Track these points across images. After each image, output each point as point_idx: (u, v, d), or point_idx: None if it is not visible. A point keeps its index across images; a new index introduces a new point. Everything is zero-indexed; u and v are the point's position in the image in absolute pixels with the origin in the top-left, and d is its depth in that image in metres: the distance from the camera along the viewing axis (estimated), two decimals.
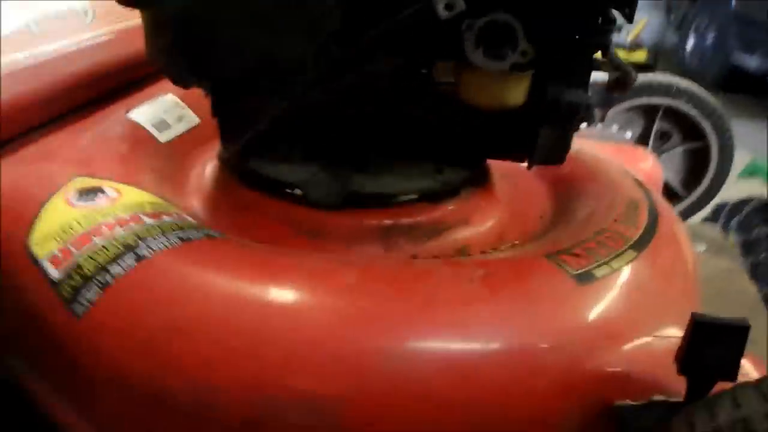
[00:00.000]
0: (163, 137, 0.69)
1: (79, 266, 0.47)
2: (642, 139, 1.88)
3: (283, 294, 0.47)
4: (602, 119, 1.75)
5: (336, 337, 0.44)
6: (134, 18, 0.61)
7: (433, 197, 0.61)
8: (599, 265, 0.51)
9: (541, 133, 0.57)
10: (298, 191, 0.60)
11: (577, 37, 0.52)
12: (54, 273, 0.48)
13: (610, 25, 0.52)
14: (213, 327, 0.44)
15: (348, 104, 0.57)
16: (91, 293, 0.46)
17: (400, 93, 0.57)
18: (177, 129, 0.71)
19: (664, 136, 1.90)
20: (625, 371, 0.45)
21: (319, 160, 0.61)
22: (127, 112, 0.69)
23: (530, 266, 0.52)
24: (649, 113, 1.86)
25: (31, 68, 0.63)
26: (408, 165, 0.62)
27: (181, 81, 0.59)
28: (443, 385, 0.44)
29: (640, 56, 3.53)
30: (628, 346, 0.46)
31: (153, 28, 0.56)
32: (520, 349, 0.45)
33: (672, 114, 1.84)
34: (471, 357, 0.45)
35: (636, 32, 3.55)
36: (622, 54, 2.21)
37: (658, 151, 1.86)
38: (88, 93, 0.68)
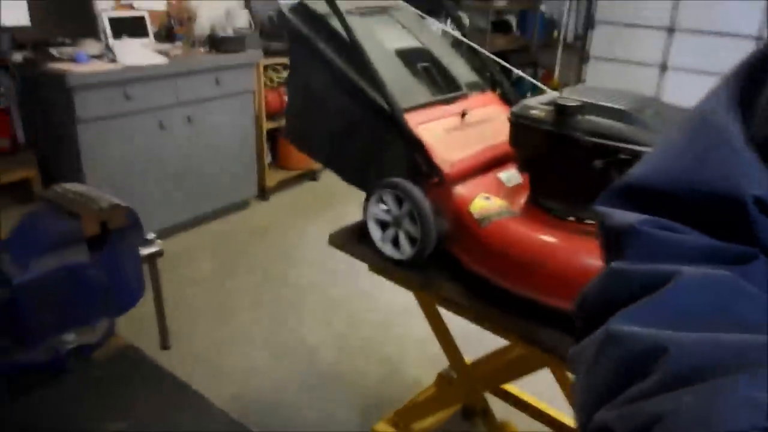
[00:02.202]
0: (509, 185, 1.84)
1: (483, 217, 1.63)
2: None
3: (549, 238, 1.56)
4: None
5: (563, 253, 1.51)
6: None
7: None
8: None
9: None
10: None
11: None
12: (478, 215, 1.65)
13: None
14: (525, 245, 1.56)
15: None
16: (485, 223, 1.62)
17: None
18: (512, 182, 1.85)
19: None
20: None
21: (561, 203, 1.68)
22: (497, 174, 1.86)
23: None
24: None
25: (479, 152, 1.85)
26: None
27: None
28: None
29: None
30: None
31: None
32: None
33: None
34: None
35: None
36: None
37: None
38: (491, 162, 1.89)
